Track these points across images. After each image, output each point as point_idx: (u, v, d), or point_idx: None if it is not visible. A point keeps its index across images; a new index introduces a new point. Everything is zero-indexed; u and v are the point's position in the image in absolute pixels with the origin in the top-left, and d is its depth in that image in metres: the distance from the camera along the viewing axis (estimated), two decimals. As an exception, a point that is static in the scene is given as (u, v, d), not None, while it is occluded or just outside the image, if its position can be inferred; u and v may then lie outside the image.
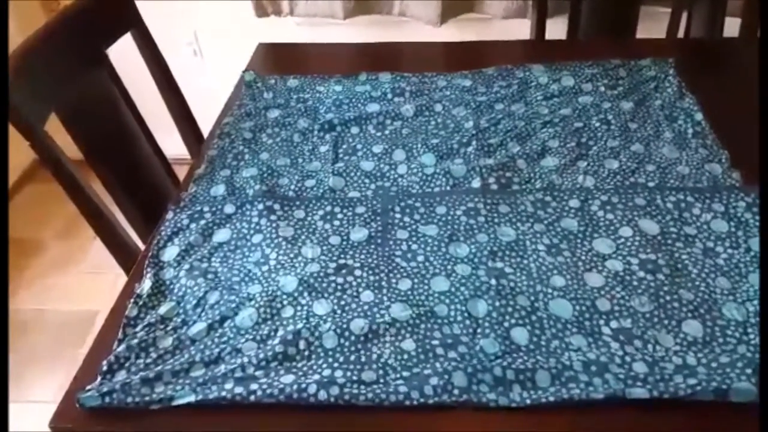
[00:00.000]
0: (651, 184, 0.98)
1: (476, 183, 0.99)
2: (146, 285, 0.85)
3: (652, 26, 1.61)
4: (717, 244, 0.87)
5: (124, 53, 1.20)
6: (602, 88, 1.20)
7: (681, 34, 1.58)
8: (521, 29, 1.71)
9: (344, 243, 0.91)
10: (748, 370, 0.70)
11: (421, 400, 0.70)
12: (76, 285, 1.91)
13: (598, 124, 1.11)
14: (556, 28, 1.63)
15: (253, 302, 0.82)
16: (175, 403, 0.71)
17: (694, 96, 1.16)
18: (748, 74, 1.26)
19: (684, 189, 0.96)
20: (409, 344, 0.76)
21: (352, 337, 0.77)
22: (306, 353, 0.76)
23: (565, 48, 1.51)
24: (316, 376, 0.72)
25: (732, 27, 1.55)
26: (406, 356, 0.75)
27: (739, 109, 1.15)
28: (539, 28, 1.58)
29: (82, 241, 2.01)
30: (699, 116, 1.11)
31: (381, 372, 0.73)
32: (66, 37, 1.06)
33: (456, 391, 0.71)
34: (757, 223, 0.89)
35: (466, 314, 0.79)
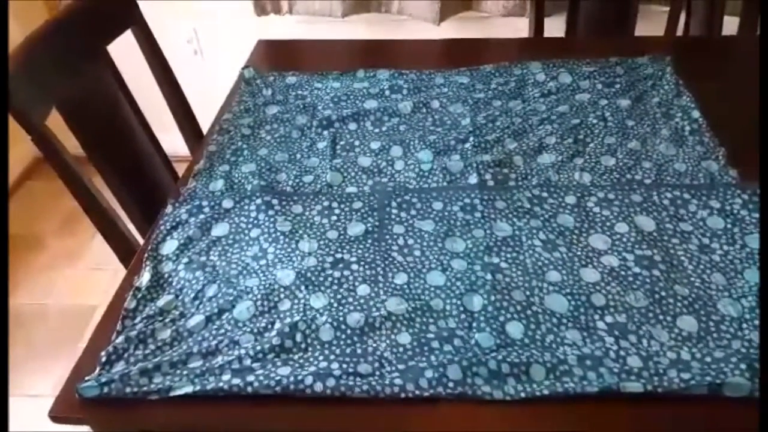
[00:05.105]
0: (647, 181, 0.99)
1: (473, 179, 1.00)
2: (145, 278, 0.86)
3: (650, 25, 1.61)
4: (713, 240, 0.88)
5: (124, 51, 1.20)
6: (599, 86, 1.21)
7: (679, 33, 1.59)
8: (519, 28, 1.71)
9: (341, 237, 0.91)
10: (743, 366, 0.70)
11: (416, 392, 0.71)
12: (75, 281, 1.92)
13: (595, 122, 1.12)
14: (554, 27, 1.63)
15: (250, 295, 0.82)
16: (173, 393, 0.72)
17: (691, 94, 1.17)
18: (745, 72, 1.27)
19: (680, 186, 0.96)
20: (404, 337, 0.77)
21: (348, 330, 0.77)
22: (302, 345, 0.76)
23: (563, 46, 1.51)
24: (312, 368, 0.73)
25: (730, 26, 1.56)
26: (401, 349, 0.75)
27: (736, 107, 1.15)
28: (537, 26, 1.58)
29: (81, 238, 2.01)
30: (696, 114, 1.11)
31: (377, 364, 0.74)
32: (67, 33, 1.06)
33: (451, 384, 0.71)
34: (754, 220, 0.90)
35: (461, 308, 0.80)
